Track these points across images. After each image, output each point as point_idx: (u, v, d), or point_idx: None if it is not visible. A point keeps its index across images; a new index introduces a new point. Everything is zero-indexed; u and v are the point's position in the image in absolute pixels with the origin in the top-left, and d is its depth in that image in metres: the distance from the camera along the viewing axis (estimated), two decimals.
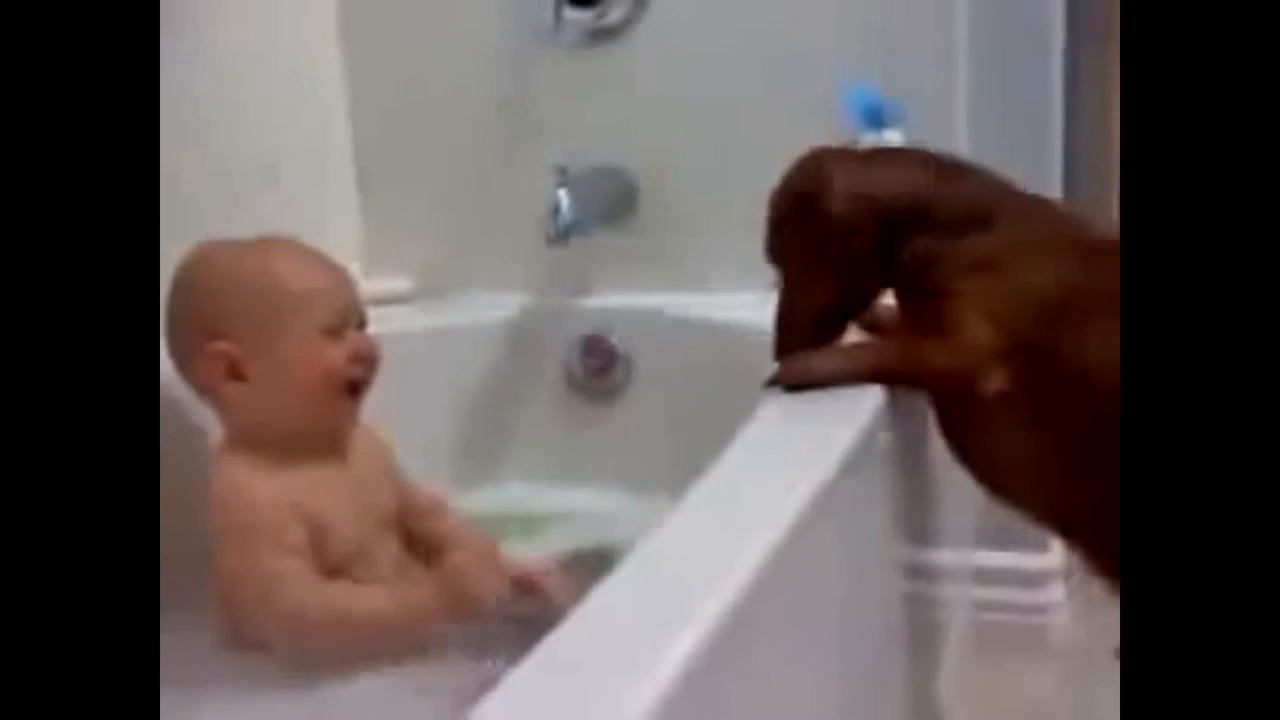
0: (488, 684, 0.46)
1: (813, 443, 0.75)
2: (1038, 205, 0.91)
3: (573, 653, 0.50)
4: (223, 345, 0.98)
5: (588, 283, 1.49)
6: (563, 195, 1.35)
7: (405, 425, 1.14)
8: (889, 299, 0.94)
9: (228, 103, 1.33)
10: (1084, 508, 0.82)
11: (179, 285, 1.01)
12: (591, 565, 1.13)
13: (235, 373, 0.98)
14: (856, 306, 0.94)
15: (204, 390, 1.01)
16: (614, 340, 1.45)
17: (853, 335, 0.93)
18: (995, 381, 0.82)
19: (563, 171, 1.37)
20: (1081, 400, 0.80)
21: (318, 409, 1.01)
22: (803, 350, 0.91)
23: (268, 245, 1.03)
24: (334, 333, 1.00)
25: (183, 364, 1.01)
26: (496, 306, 1.50)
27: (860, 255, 0.89)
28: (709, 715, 0.52)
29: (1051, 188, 1.42)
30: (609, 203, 1.44)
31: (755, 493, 0.68)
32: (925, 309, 0.87)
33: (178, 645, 0.96)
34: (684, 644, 0.49)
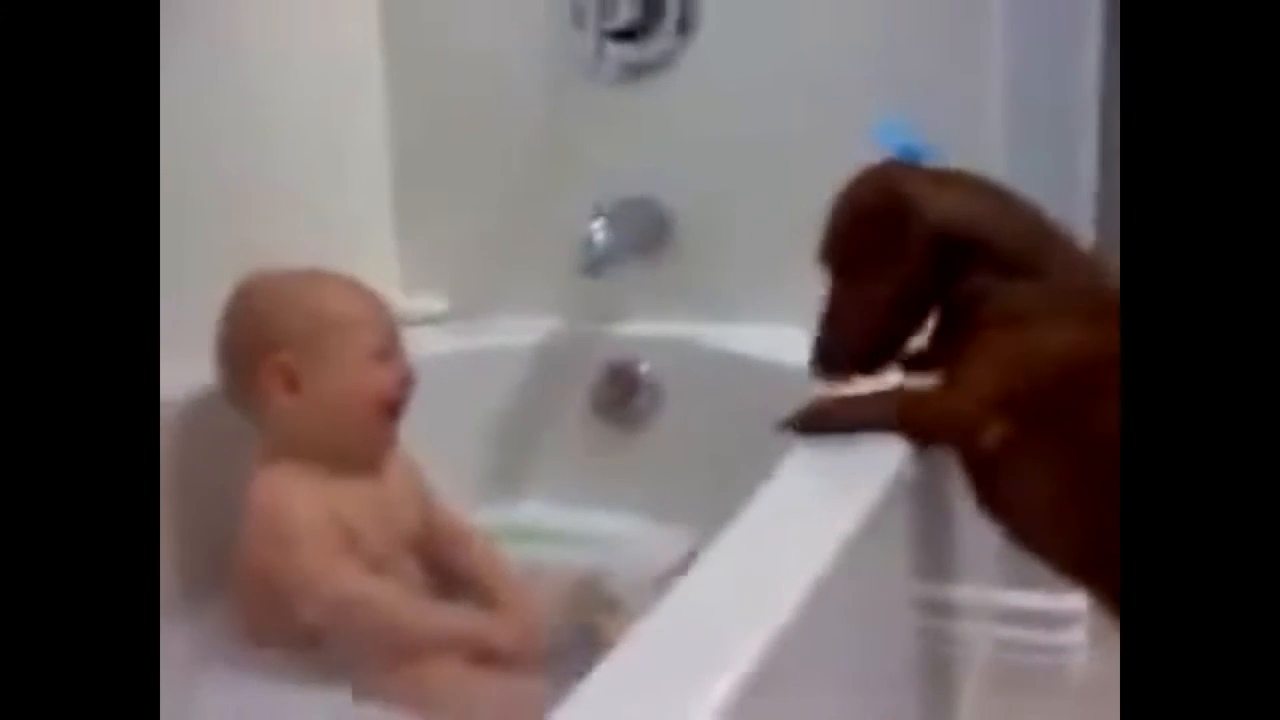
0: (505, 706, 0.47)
1: (842, 486, 0.76)
2: (1082, 257, 0.89)
3: (603, 699, 0.50)
4: (283, 357, 1.04)
5: (619, 311, 1.50)
6: (596, 227, 1.37)
7: (433, 443, 1.17)
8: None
9: (269, 125, 1.35)
10: (1101, 556, 0.82)
11: (236, 308, 1.08)
12: (593, 594, 1.14)
13: (291, 385, 1.04)
14: (906, 331, 0.91)
15: (256, 404, 1.06)
16: (642, 368, 1.46)
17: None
18: (993, 435, 0.81)
19: (598, 204, 1.39)
20: (1096, 456, 0.80)
21: (364, 428, 1.07)
22: (847, 373, 0.90)
23: (317, 274, 1.09)
24: (383, 356, 1.07)
25: (239, 379, 1.07)
26: (527, 331, 1.51)
27: (923, 279, 0.87)
28: None
29: (1084, 233, 1.42)
30: (643, 234, 1.45)
31: (787, 537, 0.69)
32: (952, 350, 0.87)
33: (199, 643, 1.01)
34: (717, 690, 0.49)
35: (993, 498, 0.88)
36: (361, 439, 1.08)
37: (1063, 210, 1.38)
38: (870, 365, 0.90)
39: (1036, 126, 1.39)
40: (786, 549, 0.66)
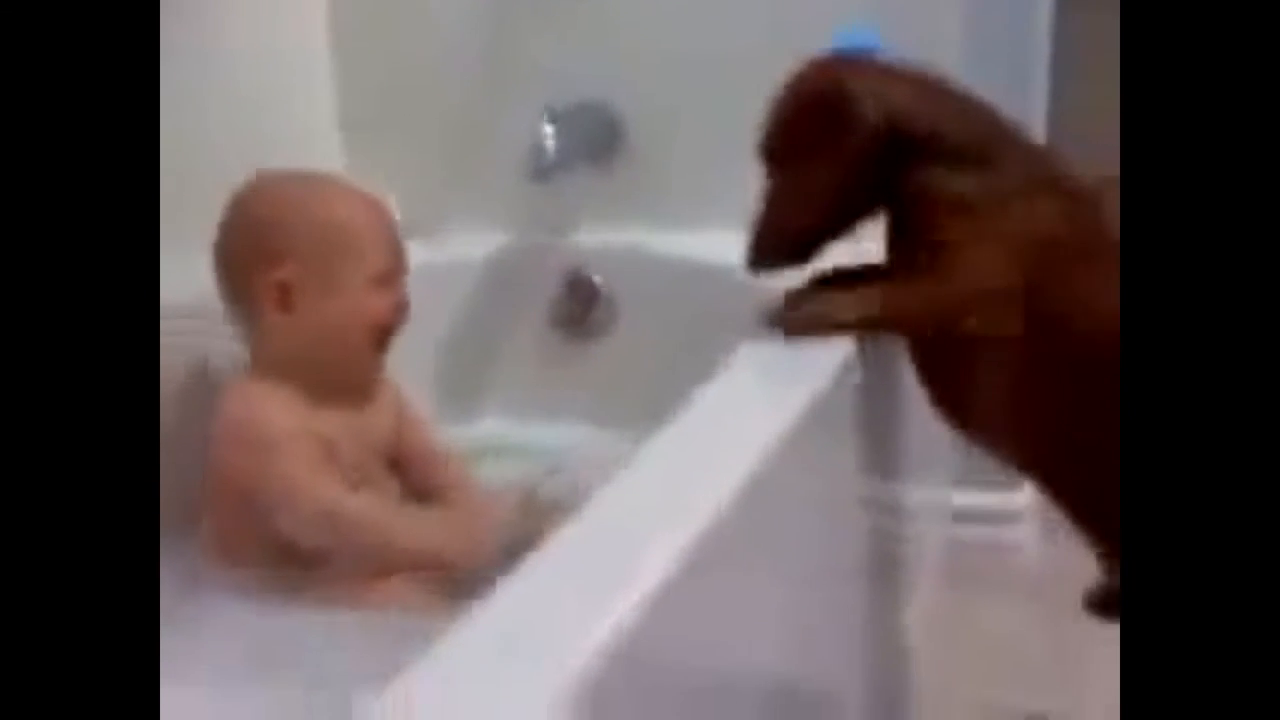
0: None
1: (783, 384, 0.76)
2: (1040, 150, 0.88)
3: (528, 593, 0.50)
4: (281, 274, 0.99)
5: (571, 221, 1.49)
6: (547, 132, 1.35)
7: (389, 361, 1.15)
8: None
9: (210, 33, 1.32)
10: (1063, 454, 0.83)
11: (237, 214, 1.02)
12: (534, 502, 1.15)
13: (285, 303, 1.00)
14: (845, 226, 0.90)
15: (246, 317, 1.02)
16: (596, 278, 1.45)
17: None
18: (1014, 324, 0.80)
19: (547, 108, 1.37)
20: (1064, 344, 0.81)
21: (355, 356, 1.03)
22: (781, 264, 0.89)
23: (324, 181, 1.05)
24: (385, 280, 1.02)
25: (233, 289, 1.02)
26: (479, 244, 1.50)
27: (866, 173, 0.85)
28: (670, 647, 0.53)
29: (1036, 135, 1.43)
30: (593, 140, 1.43)
31: (723, 431, 0.69)
32: (924, 249, 0.86)
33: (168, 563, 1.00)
34: (643, 579, 0.49)
35: (950, 392, 0.89)
36: (351, 366, 1.04)
37: (1019, 114, 1.41)
38: (804, 256, 0.90)
39: (994, 43, 1.38)
40: (718, 447, 0.66)
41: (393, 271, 1.03)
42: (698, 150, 1.40)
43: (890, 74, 0.88)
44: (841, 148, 0.85)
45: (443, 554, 1.01)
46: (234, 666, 0.88)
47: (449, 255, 1.49)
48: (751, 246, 0.89)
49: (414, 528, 1.03)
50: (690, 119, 1.41)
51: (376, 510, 1.01)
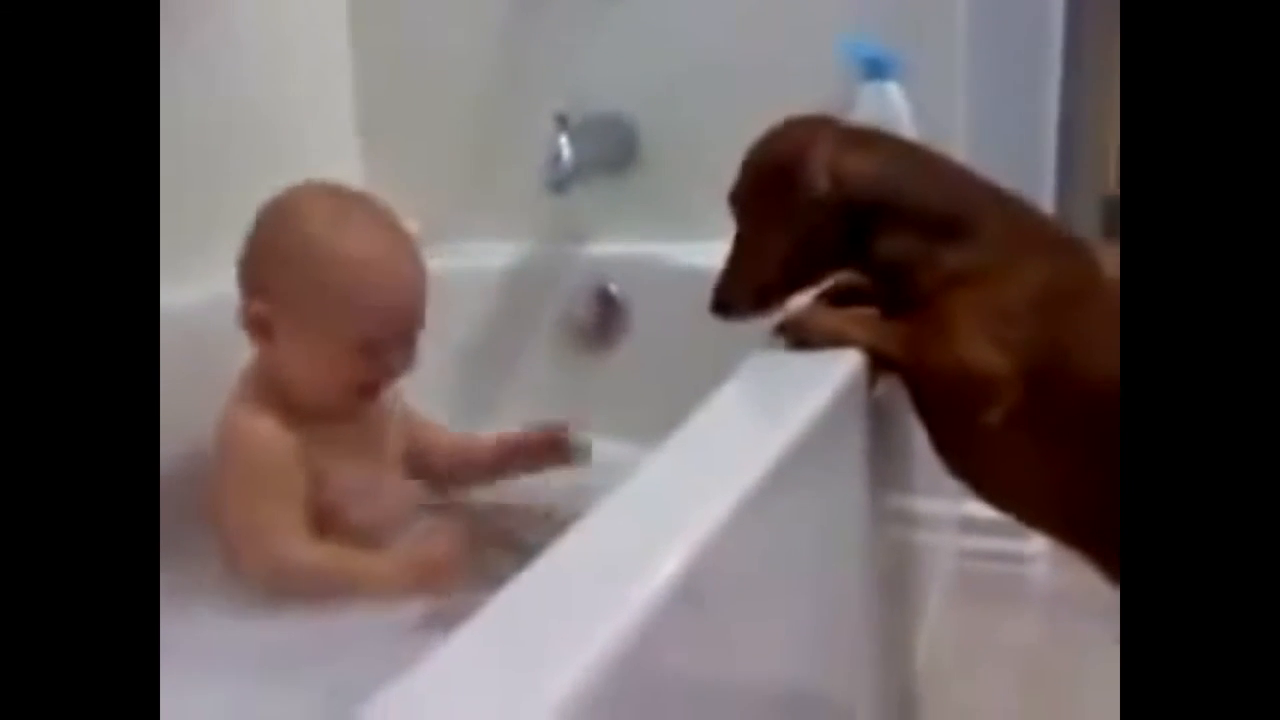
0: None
1: (791, 394, 0.76)
2: (1016, 209, 0.90)
3: (529, 601, 0.49)
4: (258, 307, 0.97)
5: (587, 231, 1.50)
6: (563, 143, 1.36)
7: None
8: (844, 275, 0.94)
9: (230, 40, 1.33)
10: (1085, 509, 0.82)
11: (262, 221, 0.99)
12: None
13: (266, 332, 0.97)
14: (805, 281, 0.94)
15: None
16: (613, 288, 1.46)
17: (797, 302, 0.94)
18: (999, 409, 0.82)
19: (564, 119, 1.38)
20: (1073, 395, 0.80)
21: (330, 399, 1.00)
22: (739, 315, 0.91)
23: (355, 224, 0.98)
24: (371, 350, 0.97)
25: (240, 296, 1.00)
26: (496, 254, 1.51)
27: (824, 237, 0.88)
28: (676, 658, 0.52)
29: (1047, 142, 1.43)
30: (609, 151, 1.44)
31: (729, 441, 0.69)
32: (916, 313, 0.87)
33: (181, 570, 0.98)
34: (647, 591, 0.48)
35: (968, 461, 0.89)
36: (331, 408, 1.00)
37: (1026, 120, 1.41)
38: (764, 306, 0.92)
39: (1000, 35, 1.39)
40: (725, 457, 0.65)
41: (381, 342, 0.97)
42: (713, 161, 1.38)
43: (855, 140, 0.90)
44: (794, 213, 0.88)
45: (403, 590, 0.95)
46: (237, 673, 0.88)
47: (467, 264, 1.50)
48: (714, 292, 0.92)
49: (368, 572, 0.96)
50: (705, 130, 1.42)
51: (328, 561, 0.96)
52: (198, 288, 1.09)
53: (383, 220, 1.00)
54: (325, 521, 1.00)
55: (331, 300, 0.95)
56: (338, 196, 1.01)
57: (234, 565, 0.97)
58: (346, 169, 1.54)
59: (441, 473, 1.14)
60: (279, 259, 0.97)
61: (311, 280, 0.96)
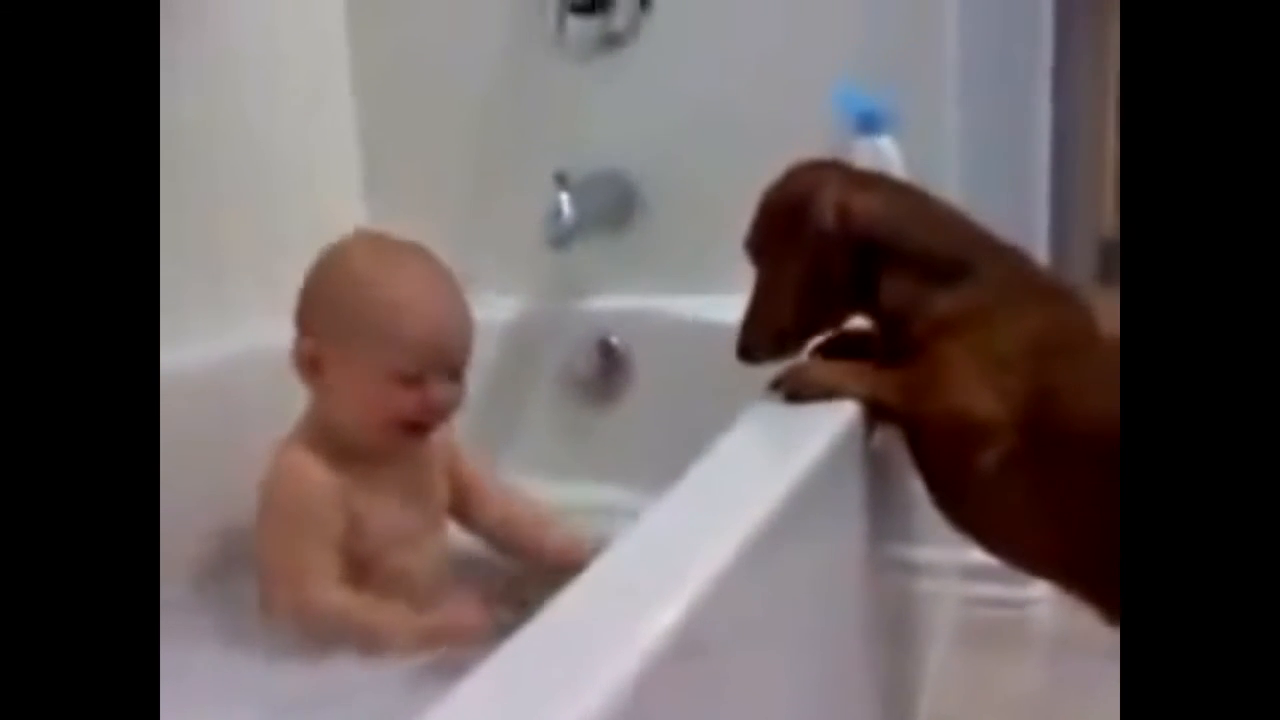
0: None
1: (789, 445, 0.77)
2: (1013, 257, 0.91)
3: (528, 657, 0.49)
4: (309, 345, 1.01)
5: (588, 285, 1.51)
6: (564, 200, 1.38)
7: None
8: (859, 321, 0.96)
9: (234, 102, 1.36)
10: (1082, 554, 0.82)
11: (316, 263, 1.03)
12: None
13: (316, 369, 1.01)
14: (821, 321, 0.96)
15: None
16: (614, 341, 1.47)
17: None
18: (995, 455, 0.83)
19: (563, 177, 1.40)
20: (1068, 442, 0.81)
21: (376, 435, 1.02)
22: (762, 357, 0.93)
23: (399, 266, 1.02)
24: (410, 381, 1.00)
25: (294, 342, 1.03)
26: (499, 308, 1.52)
27: (833, 274, 0.90)
28: (677, 707, 0.52)
29: (1040, 186, 1.45)
30: (609, 207, 1.46)
31: (730, 492, 0.70)
32: (911, 360, 0.88)
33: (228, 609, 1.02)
34: (647, 640, 0.49)
35: (963, 508, 0.89)
36: (377, 446, 1.03)
37: (1017, 171, 1.43)
38: (784, 349, 0.94)
39: (991, 91, 1.41)
40: (724, 506, 0.66)
41: (422, 372, 1.00)
42: (711, 214, 1.41)
43: (862, 184, 0.92)
44: (803, 250, 0.90)
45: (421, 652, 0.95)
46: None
47: None
48: (739, 339, 0.93)
49: (391, 629, 0.96)
50: (703, 184, 1.44)
51: (355, 611, 0.97)
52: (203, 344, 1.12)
53: (426, 262, 1.05)
54: (362, 566, 1.01)
55: (369, 331, 1.00)
56: (386, 240, 1.06)
57: (266, 604, 0.99)
58: (350, 224, 1.56)
59: (484, 530, 1.15)
60: (325, 297, 1.02)
61: (352, 314, 1.00)
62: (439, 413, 1.03)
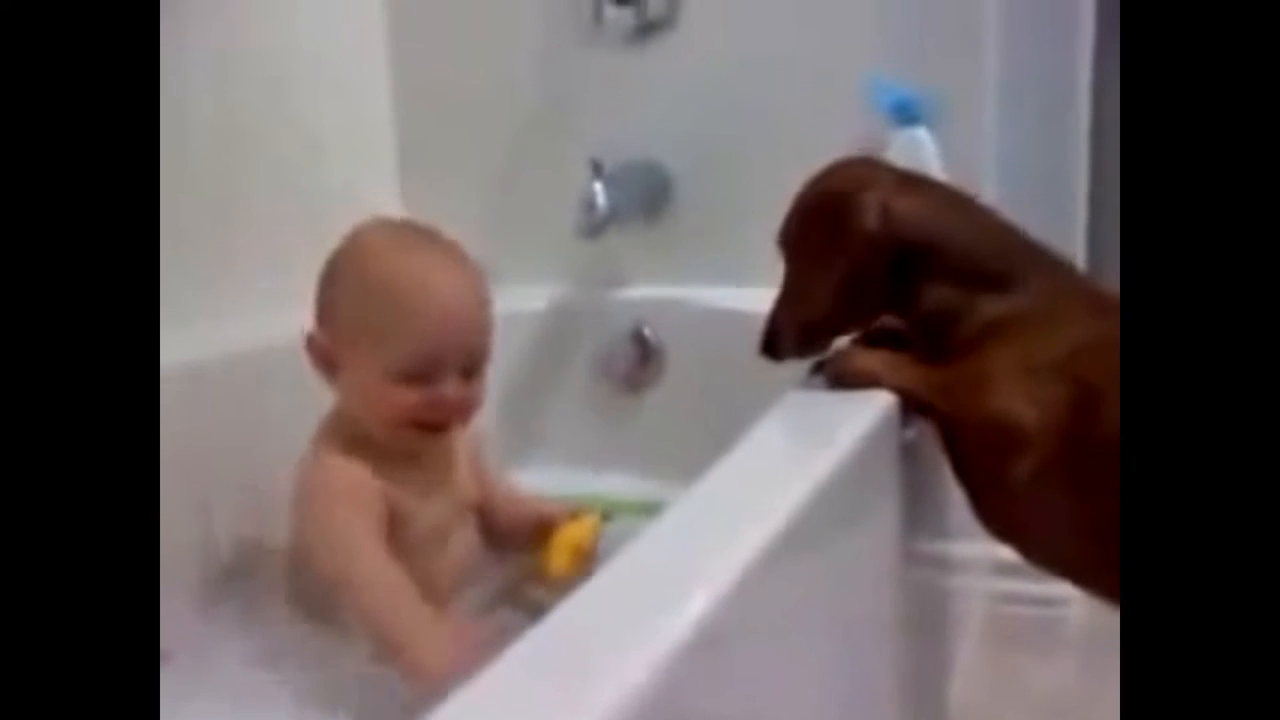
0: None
1: (822, 437, 0.77)
2: (1055, 264, 0.90)
3: (550, 649, 0.49)
4: (321, 336, 0.98)
5: (621, 275, 1.52)
6: (598, 189, 1.38)
7: None
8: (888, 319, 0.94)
9: (275, 93, 1.37)
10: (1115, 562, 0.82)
11: (331, 256, 0.99)
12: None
13: (330, 363, 0.98)
14: (852, 322, 0.94)
15: None
16: (646, 332, 1.48)
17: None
18: (1033, 462, 0.82)
19: (598, 166, 1.40)
20: (1105, 453, 0.80)
21: (392, 433, 0.97)
22: (787, 355, 0.92)
23: (407, 260, 0.97)
24: (415, 379, 0.95)
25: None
26: (532, 298, 1.52)
27: (871, 276, 0.89)
28: (704, 702, 0.52)
29: (1078, 185, 1.43)
30: (643, 196, 1.46)
31: (761, 483, 0.69)
32: (955, 361, 0.87)
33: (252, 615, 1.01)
34: (677, 631, 0.48)
35: (999, 513, 0.88)
36: (391, 440, 0.98)
37: (1056, 165, 1.41)
38: (811, 347, 0.93)
39: (1030, 81, 1.40)
40: (756, 498, 0.65)
41: (424, 372, 0.95)
42: (745, 205, 1.41)
43: (904, 184, 0.91)
44: (844, 250, 0.88)
45: (399, 651, 0.89)
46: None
47: (502, 308, 1.50)
48: (764, 334, 0.92)
49: (416, 624, 0.90)
50: (737, 175, 1.44)
51: (396, 587, 0.91)
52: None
53: (444, 251, 1.00)
54: (401, 559, 0.96)
55: (374, 324, 0.95)
56: (401, 227, 1.02)
57: (304, 566, 0.96)
58: (386, 212, 1.57)
59: (499, 533, 1.11)
60: (337, 287, 0.98)
61: (359, 304, 0.96)
62: (451, 412, 0.98)
